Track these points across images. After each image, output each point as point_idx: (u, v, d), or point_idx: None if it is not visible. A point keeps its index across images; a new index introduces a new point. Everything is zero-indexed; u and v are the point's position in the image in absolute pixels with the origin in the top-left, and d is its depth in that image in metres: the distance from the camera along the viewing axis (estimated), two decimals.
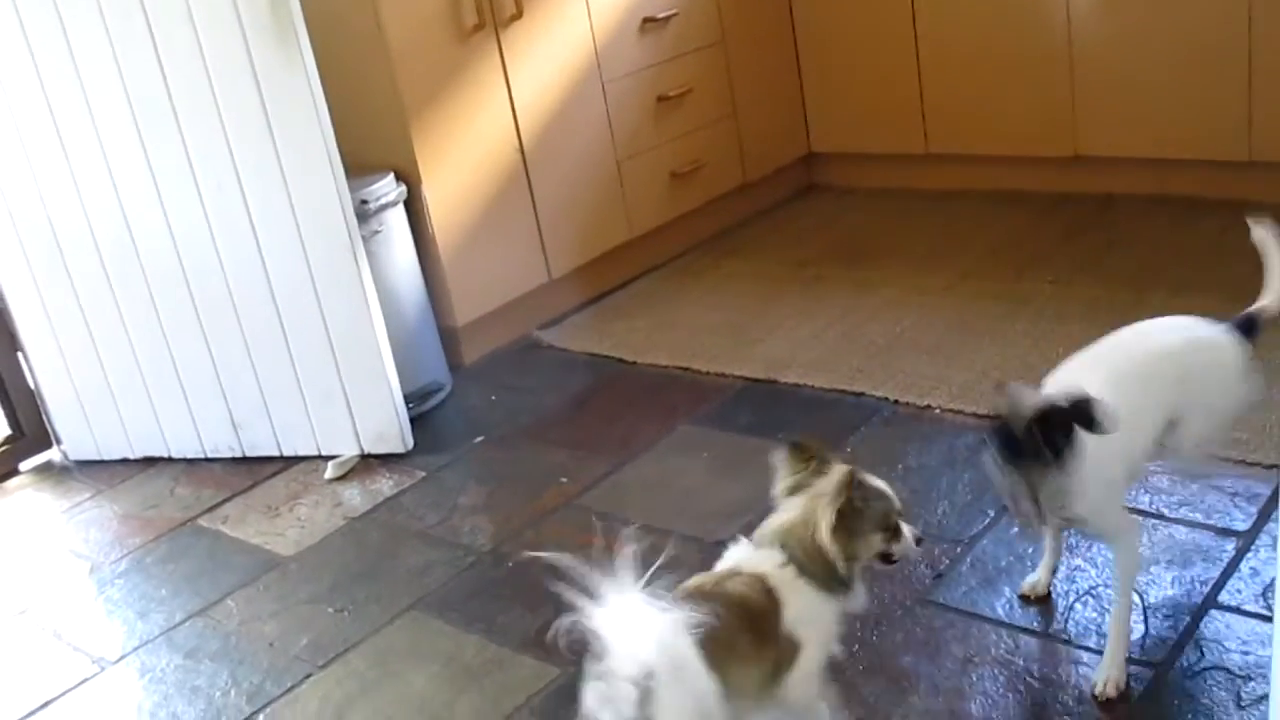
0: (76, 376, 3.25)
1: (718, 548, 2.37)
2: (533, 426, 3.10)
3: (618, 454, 2.87)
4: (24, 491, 3.32)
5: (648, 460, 2.83)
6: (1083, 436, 1.72)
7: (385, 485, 2.94)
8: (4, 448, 3.41)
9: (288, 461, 3.13)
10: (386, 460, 3.04)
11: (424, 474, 2.95)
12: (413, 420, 3.07)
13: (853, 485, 1.67)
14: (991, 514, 2.37)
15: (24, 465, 3.42)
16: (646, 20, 3.70)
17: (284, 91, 2.75)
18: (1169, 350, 1.97)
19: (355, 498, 2.91)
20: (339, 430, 3.05)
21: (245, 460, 3.18)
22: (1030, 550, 2.23)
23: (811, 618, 1.70)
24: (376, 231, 3.06)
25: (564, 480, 2.80)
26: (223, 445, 3.19)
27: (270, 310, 2.96)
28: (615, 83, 3.66)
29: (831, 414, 2.87)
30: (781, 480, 1.78)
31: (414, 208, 3.22)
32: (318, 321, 2.94)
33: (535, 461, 2.93)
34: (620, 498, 2.69)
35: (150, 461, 3.29)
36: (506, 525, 2.70)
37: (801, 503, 1.72)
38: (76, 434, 3.34)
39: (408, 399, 3.06)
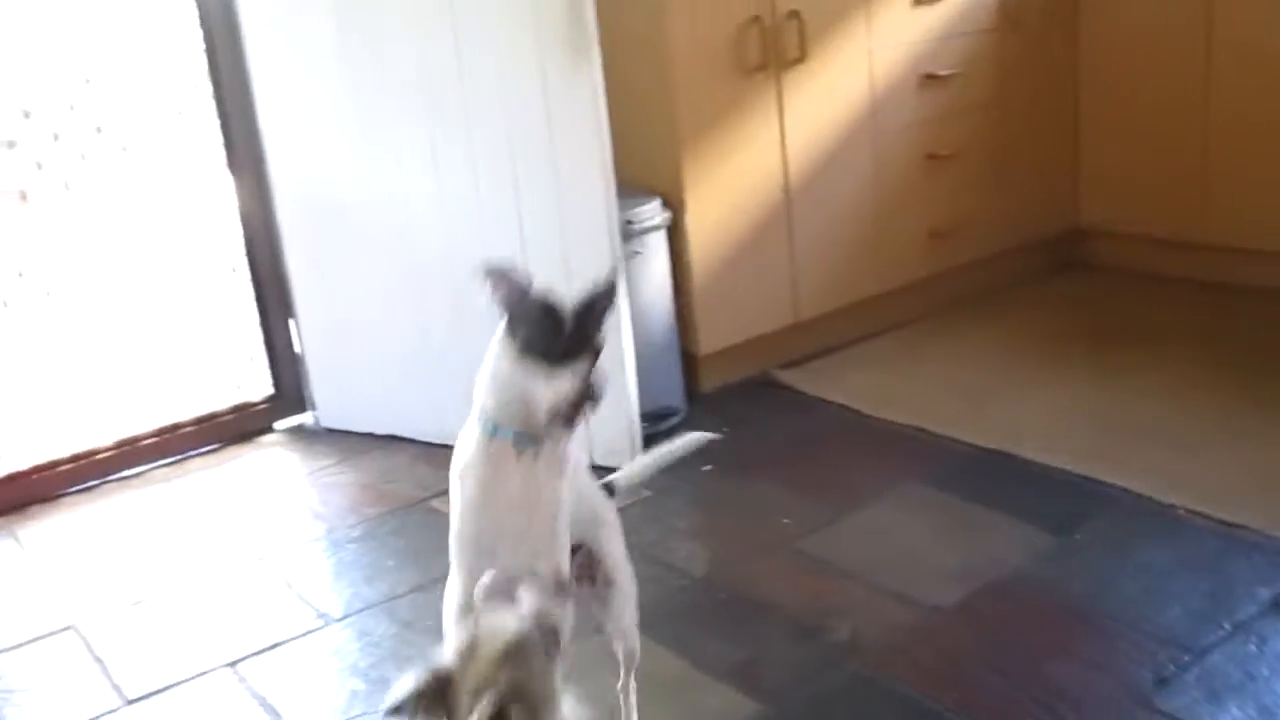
0: (339, 349, 3.47)
1: (933, 612, 2.39)
2: (761, 463, 3.13)
3: (841, 503, 2.87)
4: (275, 449, 3.56)
5: (870, 513, 2.82)
6: None
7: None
8: (263, 406, 3.66)
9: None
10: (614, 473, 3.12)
11: (649, 493, 3.00)
12: (645, 440, 3.14)
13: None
14: (1228, 627, 2.26)
15: (279, 424, 3.66)
16: (927, 76, 3.70)
17: (570, 104, 2.87)
18: None
19: None
20: (573, 438, 3.15)
21: None
22: (1267, 674, 2.13)
23: None
24: (637, 253, 3.15)
25: (785, 521, 2.82)
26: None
27: None
28: (887, 135, 3.67)
29: (1064, 496, 2.79)
30: None
31: (675, 234, 3.31)
32: None
33: (758, 497, 2.96)
34: (838, 546, 2.69)
35: (394, 439, 3.46)
36: (722, 555, 2.74)
37: None
38: (330, 402, 3.56)
39: (642, 418, 3.13)
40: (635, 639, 2.01)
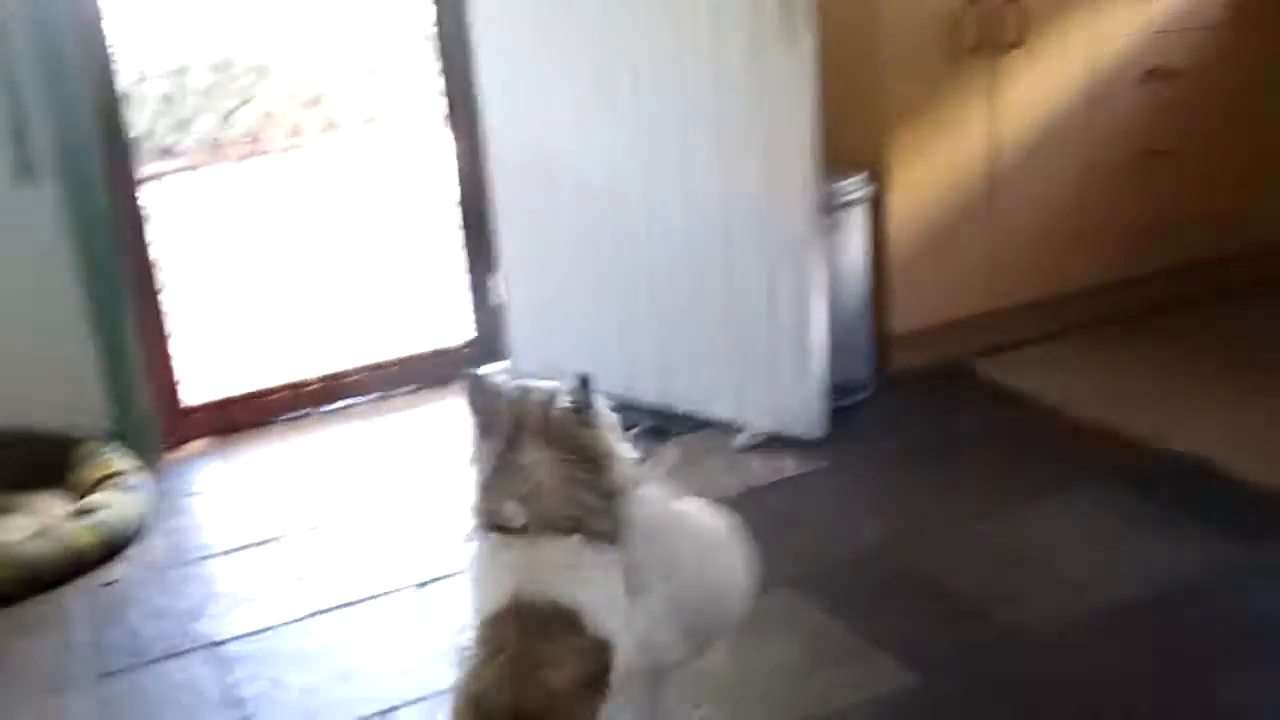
0: (538, 301, 3.59)
1: (1104, 610, 2.35)
2: (945, 446, 3.12)
3: (1023, 493, 2.84)
4: None
5: (1051, 507, 2.78)
6: None
7: (789, 465, 3.05)
8: (462, 352, 3.82)
9: (701, 422, 3.30)
10: (795, 443, 3.14)
11: (827, 464, 3.04)
12: (830, 411, 3.16)
13: None
14: None
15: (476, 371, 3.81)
16: (1150, 72, 3.58)
17: (782, 76, 2.90)
18: None
19: (758, 470, 3.04)
20: (757, 404, 3.20)
21: (665, 413, 3.36)
22: None
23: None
24: (836, 225, 3.17)
25: (959, 503, 2.81)
26: (649, 391, 3.40)
27: (722, 276, 3.15)
28: (1102, 127, 3.56)
29: (1257, 511, 2.69)
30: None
31: (876, 210, 3.31)
32: (763, 297, 3.09)
33: (938, 480, 2.96)
34: (1015, 535, 2.67)
35: None
36: (896, 531, 2.75)
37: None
38: (526, 353, 3.67)
39: (829, 390, 3.15)
40: None
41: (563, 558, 1.46)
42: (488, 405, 1.53)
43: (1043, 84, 3.44)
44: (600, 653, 1.44)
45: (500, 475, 1.49)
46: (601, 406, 1.56)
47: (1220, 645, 2.25)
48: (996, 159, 3.43)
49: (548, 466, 1.47)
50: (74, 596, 2.71)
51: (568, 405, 1.52)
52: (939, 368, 3.52)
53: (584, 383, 1.55)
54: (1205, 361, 3.49)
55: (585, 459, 1.49)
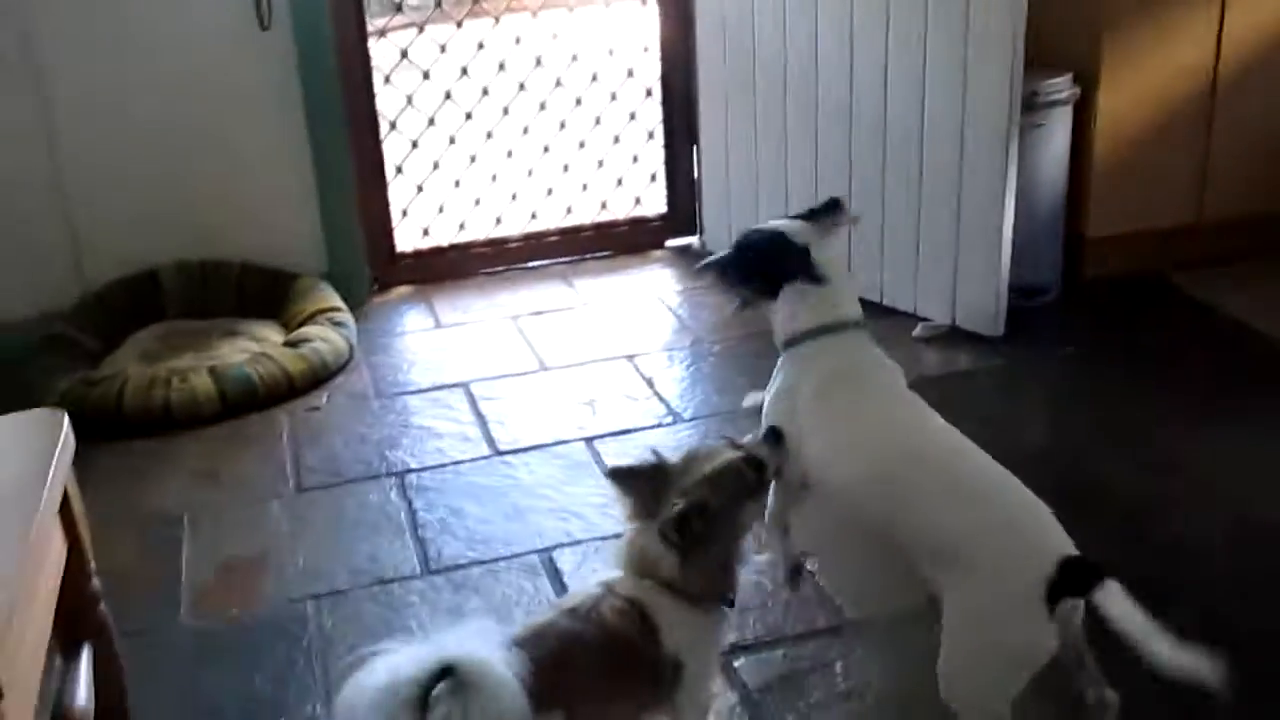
0: (733, 177, 3.65)
1: (1268, 532, 2.33)
2: (1129, 357, 3.09)
3: (1203, 409, 2.82)
4: (661, 265, 3.83)
5: (1230, 427, 2.74)
6: None
7: (963, 359, 3.08)
8: (657, 223, 3.93)
9: (884, 310, 3.33)
10: (973, 338, 3.16)
11: (1003, 362, 3.05)
12: (1010, 312, 3.15)
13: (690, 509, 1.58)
14: None
15: (668, 242, 3.92)
16: None
17: None
18: None
19: (934, 361, 3.08)
20: (939, 297, 3.21)
21: None
22: None
23: (692, 640, 1.63)
24: (1039, 125, 3.12)
25: (1135, 415, 2.79)
26: None
27: (915, 169, 3.15)
28: None
29: None
30: (625, 510, 1.67)
31: (1083, 112, 3.24)
32: (954, 191, 3.08)
33: (1114, 388, 2.95)
34: (1188, 450, 2.65)
35: None
36: (1060, 432, 2.78)
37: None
38: (716, 228, 3.76)
39: (1012, 290, 3.14)
40: None
41: None
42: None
43: None
44: None
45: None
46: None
47: None
48: (1221, 67, 3.30)
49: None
50: (283, 417, 2.97)
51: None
52: (1132, 277, 3.45)
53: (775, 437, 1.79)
54: None
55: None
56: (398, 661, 1.31)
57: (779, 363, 2.02)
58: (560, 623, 1.57)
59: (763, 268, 1.98)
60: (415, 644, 1.34)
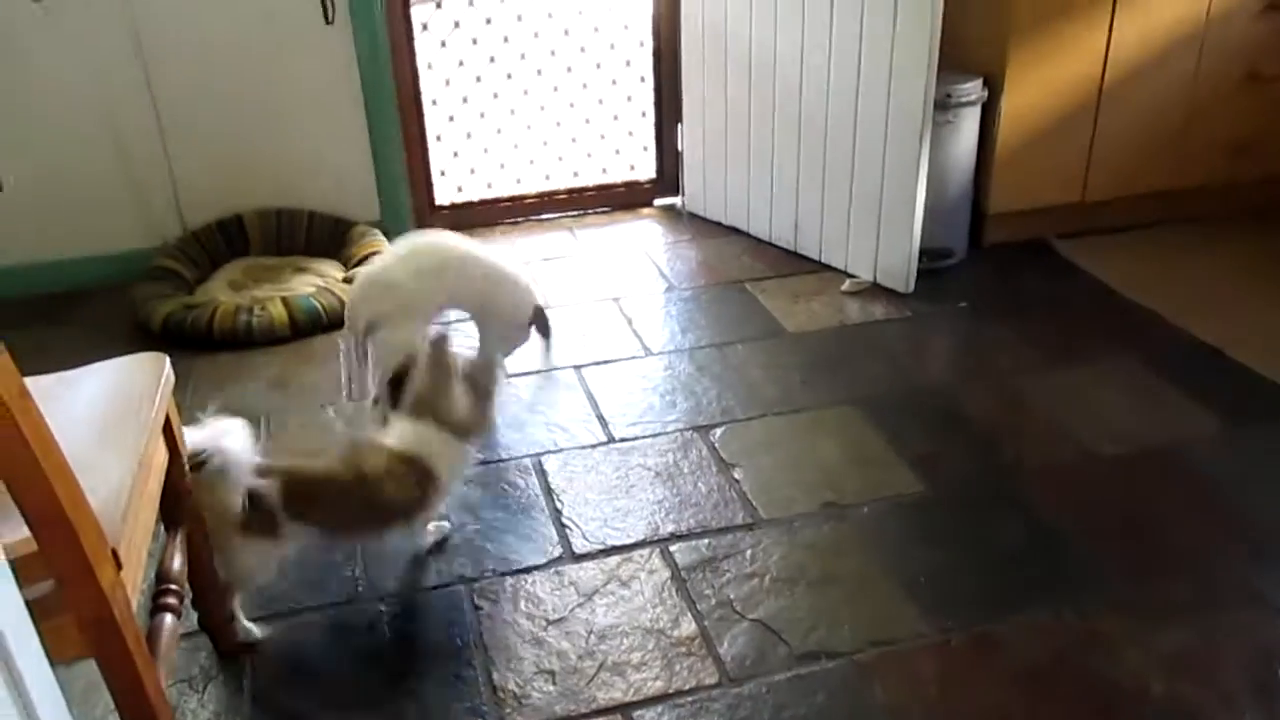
0: (708, 150, 3.80)
1: (1090, 458, 2.53)
2: (1009, 311, 3.23)
3: (1060, 358, 2.96)
4: (649, 220, 3.98)
5: (1079, 372, 2.90)
6: None
7: (879, 310, 3.24)
8: (647, 185, 4.09)
9: (820, 266, 3.51)
10: (889, 293, 3.33)
11: (910, 314, 3.22)
12: (921, 272, 3.33)
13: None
14: None
15: (656, 201, 4.09)
16: (1271, 7, 3.46)
17: None
18: None
19: (854, 311, 3.24)
20: (864, 256, 3.39)
21: (794, 254, 3.60)
22: None
23: (458, 466, 2.15)
24: (949, 121, 3.26)
25: (1006, 359, 2.96)
26: (784, 238, 3.64)
27: (850, 152, 3.29)
28: (1214, 51, 3.48)
29: (1252, 396, 2.76)
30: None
31: (990, 110, 3.37)
32: (879, 172, 3.23)
33: (994, 337, 3.09)
34: (1040, 389, 2.81)
35: (735, 230, 3.81)
36: (946, 373, 2.94)
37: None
38: (694, 191, 3.93)
39: (924, 253, 3.31)
40: None
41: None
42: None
43: (1162, 8, 3.37)
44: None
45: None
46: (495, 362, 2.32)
47: (1179, 499, 2.38)
48: (1108, 74, 3.41)
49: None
50: (340, 340, 3.17)
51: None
52: (1024, 245, 3.61)
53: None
54: (1257, 268, 3.47)
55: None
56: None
57: None
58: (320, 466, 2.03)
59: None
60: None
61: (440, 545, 2.29)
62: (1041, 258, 3.57)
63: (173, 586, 1.70)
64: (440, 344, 2.13)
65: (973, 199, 3.48)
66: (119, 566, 1.38)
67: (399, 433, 2.08)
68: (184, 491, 1.80)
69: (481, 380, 2.16)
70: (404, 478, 2.03)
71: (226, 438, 1.84)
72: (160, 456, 1.68)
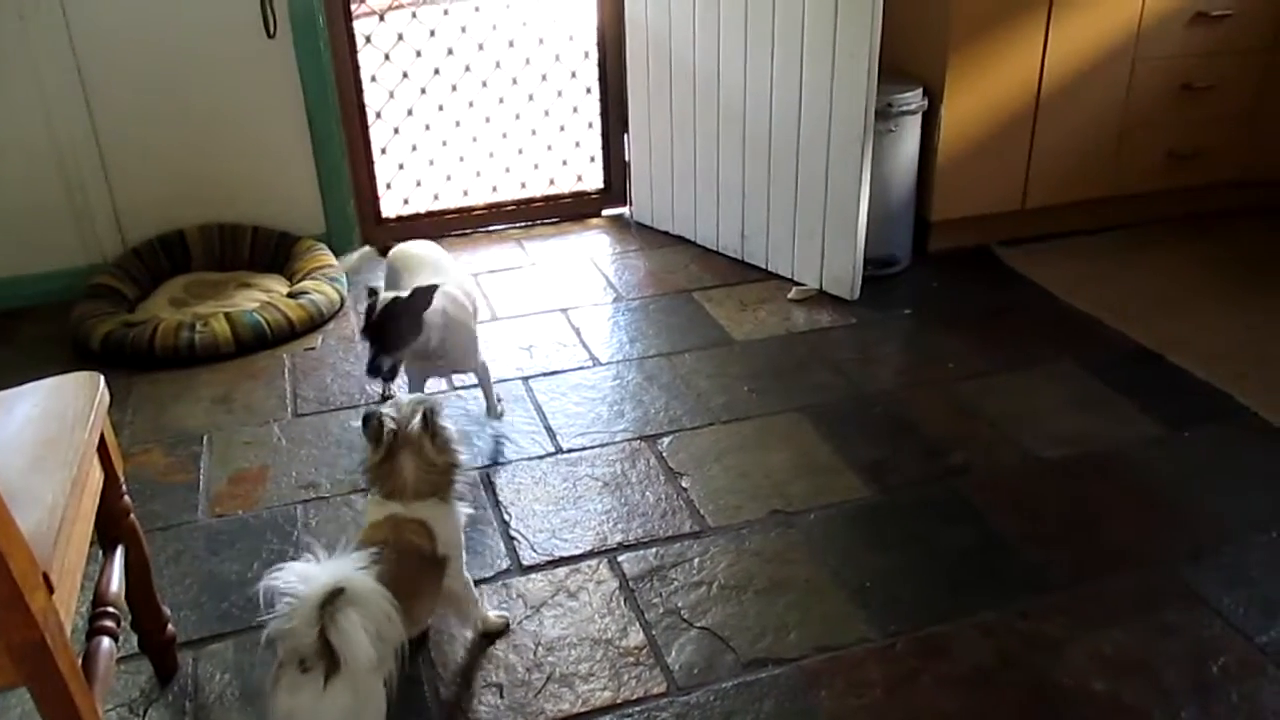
0: (655, 160, 3.82)
1: (1034, 461, 2.56)
2: (952, 317, 3.27)
3: (1003, 362, 3.00)
4: (597, 231, 3.99)
5: (1022, 376, 2.94)
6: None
7: (825, 318, 3.27)
8: (595, 196, 4.10)
9: (767, 275, 3.53)
10: (835, 300, 3.36)
11: (855, 320, 3.25)
12: (867, 279, 3.36)
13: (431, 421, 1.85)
14: (1275, 535, 2.31)
15: (604, 211, 4.09)
16: (1200, 15, 3.54)
17: (853, 2, 3.01)
18: None
19: (800, 319, 3.27)
20: (810, 265, 3.42)
21: (741, 263, 3.63)
22: None
23: (454, 534, 1.91)
24: (891, 130, 3.30)
25: (950, 365, 3.00)
26: (731, 246, 3.66)
27: (793, 158, 3.32)
28: (1147, 61, 3.56)
29: (1191, 401, 2.81)
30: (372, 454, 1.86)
31: (931, 119, 3.42)
32: (822, 178, 3.26)
33: (939, 343, 3.13)
34: (984, 394, 2.85)
35: (681, 240, 3.82)
36: (892, 380, 2.96)
37: (407, 457, 1.84)
38: (642, 202, 3.94)
39: (869, 262, 3.34)
40: None
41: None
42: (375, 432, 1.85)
43: (1096, 19, 3.44)
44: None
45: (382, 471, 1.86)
46: (447, 427, 1.90)
47: (1119, 499, 2.42)
48: (1045, 83, 3.47)
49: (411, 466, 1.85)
50: (284, 356, 3.15)
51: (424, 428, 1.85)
52: (966, 251, 3.66)
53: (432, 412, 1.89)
54: (1202, 270, 3.54)
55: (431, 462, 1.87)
56: (302, 578, 1.51)
57: None
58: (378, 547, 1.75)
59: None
60: (309, 567, 1.54)
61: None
62: (984, 264, 3.61)
63: (110, 609, 1.67)
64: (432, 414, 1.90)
65: (916, 207, 3.52)
66: (51, 590, 1.35)
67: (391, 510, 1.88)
68: (121, 512, 1.77)
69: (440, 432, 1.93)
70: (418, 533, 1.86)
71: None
72: (95, 477, 1.65)
